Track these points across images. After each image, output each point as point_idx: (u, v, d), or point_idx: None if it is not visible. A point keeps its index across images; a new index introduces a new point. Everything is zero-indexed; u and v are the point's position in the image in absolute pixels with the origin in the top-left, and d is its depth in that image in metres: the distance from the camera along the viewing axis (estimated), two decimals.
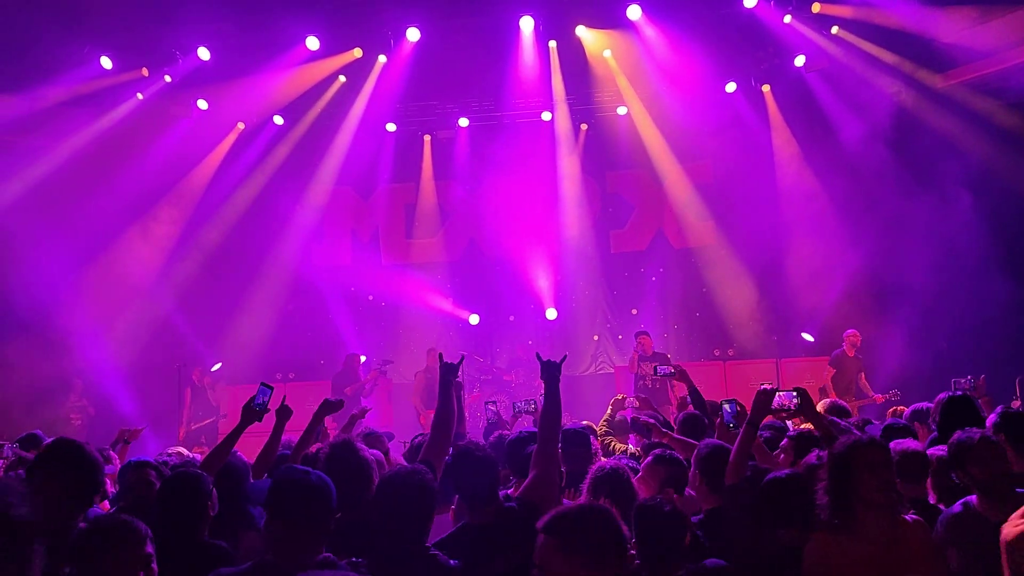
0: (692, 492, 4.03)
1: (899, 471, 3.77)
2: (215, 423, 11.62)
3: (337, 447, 3.72)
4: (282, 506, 2.82)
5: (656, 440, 5.06)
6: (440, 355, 4.35)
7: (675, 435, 5.04)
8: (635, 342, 11.16)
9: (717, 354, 12.58)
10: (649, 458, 4.22)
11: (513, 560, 3.22)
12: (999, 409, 4.16)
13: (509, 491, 4.20)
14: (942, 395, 4.48)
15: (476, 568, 3.19)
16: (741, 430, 3.89)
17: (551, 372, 4.03)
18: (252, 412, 4.48)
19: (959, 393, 4.49)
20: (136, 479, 4.07)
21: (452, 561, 3.05)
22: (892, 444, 3.92)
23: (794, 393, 4.07)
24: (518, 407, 6.53)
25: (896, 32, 10.80)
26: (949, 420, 4.18)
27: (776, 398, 4.01)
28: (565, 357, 4.22)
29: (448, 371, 4.19)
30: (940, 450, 3.89)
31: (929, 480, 3.95)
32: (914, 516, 3.27)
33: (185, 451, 6.67)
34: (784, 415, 4.32)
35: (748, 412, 4.00)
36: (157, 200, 12.45)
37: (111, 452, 6.14)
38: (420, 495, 3.05)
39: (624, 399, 7.07)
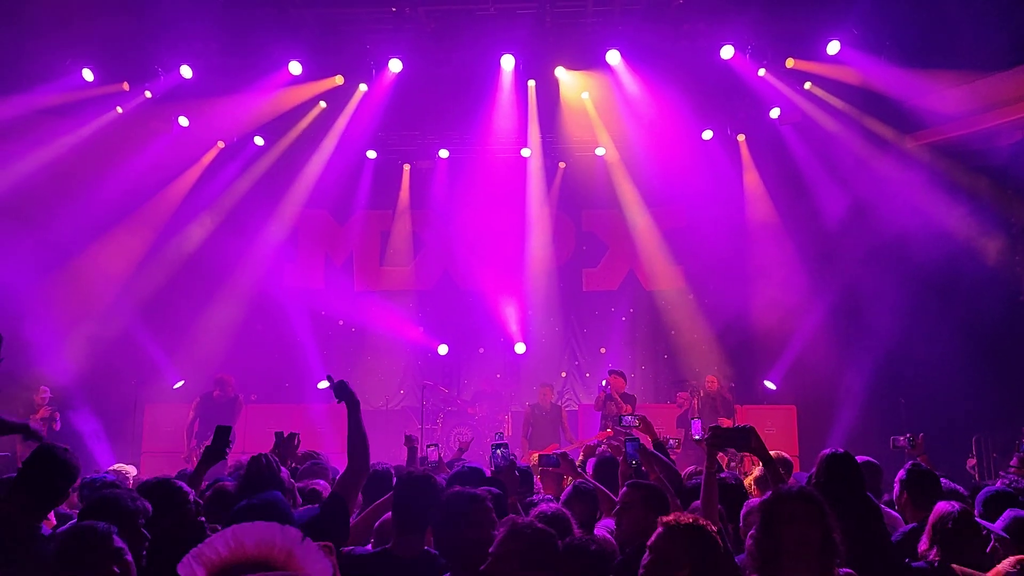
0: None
1: None
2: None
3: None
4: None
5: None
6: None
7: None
8: (607, 380, 10.29)
9: None
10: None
11: None
12: (907, 464, 4.18)
13: None
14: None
15: None
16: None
17: (346, 394, 3.79)
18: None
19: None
20: None
21: None
22: None
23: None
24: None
25: (867, 91, 11.04)
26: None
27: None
28: (340, 382, 3.90)
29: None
30: None
31: None
32: (847, 571, 3.12)
33: (129, 468, 6.61)
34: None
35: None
36: (129, 213, 12.39)
37: None
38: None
39: (596, 447, 7.12)
